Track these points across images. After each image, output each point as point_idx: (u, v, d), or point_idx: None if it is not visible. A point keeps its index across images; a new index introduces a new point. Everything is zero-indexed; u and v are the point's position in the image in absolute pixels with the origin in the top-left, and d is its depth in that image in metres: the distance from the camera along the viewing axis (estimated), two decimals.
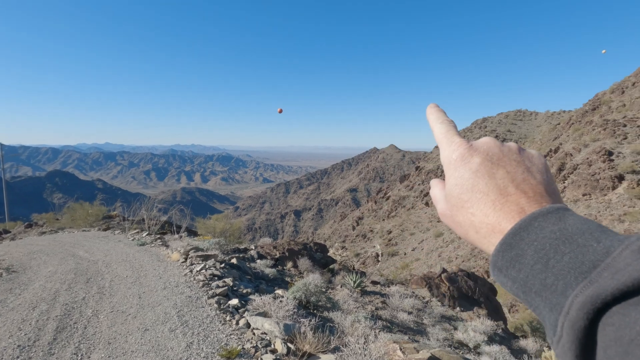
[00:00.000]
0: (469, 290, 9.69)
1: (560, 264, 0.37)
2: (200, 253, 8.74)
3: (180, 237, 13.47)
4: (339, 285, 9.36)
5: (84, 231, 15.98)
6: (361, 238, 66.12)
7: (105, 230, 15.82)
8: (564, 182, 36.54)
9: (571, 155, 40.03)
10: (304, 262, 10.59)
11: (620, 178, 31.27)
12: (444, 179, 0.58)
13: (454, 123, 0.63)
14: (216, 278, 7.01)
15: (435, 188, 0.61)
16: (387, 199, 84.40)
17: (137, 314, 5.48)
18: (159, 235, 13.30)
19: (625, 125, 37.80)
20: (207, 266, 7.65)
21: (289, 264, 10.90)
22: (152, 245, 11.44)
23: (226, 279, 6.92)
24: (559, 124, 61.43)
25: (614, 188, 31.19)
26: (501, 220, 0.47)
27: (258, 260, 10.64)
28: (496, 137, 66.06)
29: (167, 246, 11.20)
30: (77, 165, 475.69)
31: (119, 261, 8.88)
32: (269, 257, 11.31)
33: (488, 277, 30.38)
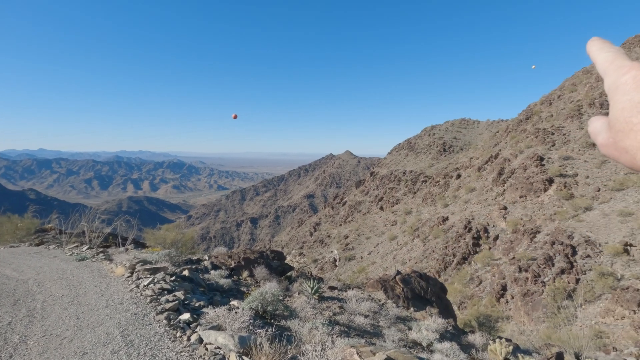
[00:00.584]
0: (422, 291, 10.10)
1: None
2: (148, 266, 8.20)
3: (126, 249, 12.57)
4: (297, 293, 9.27)
5: (11, 247, 14.32)
6: (319, 244, 66.36)
7: (38, 245, 14.31)
8: (503, 185, 39.62)
9: (509, 160, 43.57)
10: (260, 271, 10.37)
11: (550, 181, 34.59)
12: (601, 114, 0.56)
13: (623, 51, 0.60)
14: (166, 292, 6.60)
15: (596, 122, 0.60)
16: (344, 204, 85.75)
17: (74, 336, 4.97)
18: (101, 249, 12.31)
19: (553, 134, 41.99)
20: (155, 280, 7.19)
21: (245, 274, 10.61)
22: (94, 259, 10.55)
23: (177, 293, 6.55)
24: (498, 132, 66.70)
25: (545, 190, 34.41)
26: None
27: (212, 271, 10.23)
28: (443, 143, 69.45)
29: (111, 260, 10.39)
30: (4, 174, 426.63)
31: (53, 279, 8.05)
32: (223, 267, 10.92)
33: (439, 276, 31.83)
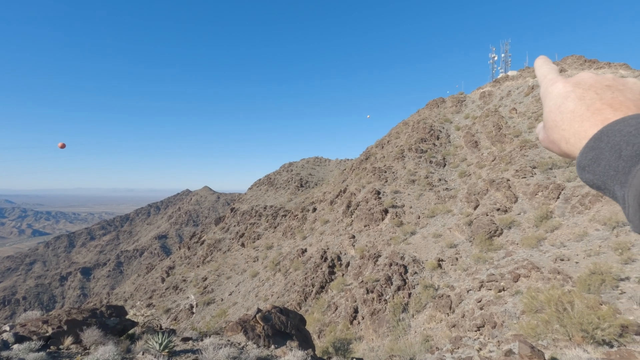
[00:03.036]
0: (282, 326, 10.07)
1: (630, 152, 0.51)
2: None
3: None
4: (141, 353, 7.88)
5: None
6: (172, 290, 59.16)
7: None
8: (351, 216, 44.75)
9: (355, 194, 49.85)
10: (91, 334, 8.41)
11: (386, 211, 41.07)
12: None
13: (557, 68, 0.82)
14: None
15: (539, 125, 0.81)
16: (202, 243, 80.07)
17: None
18: None
19: (385, 172, 50.54)
20: None
21: (68, 340, 8.42)
22: None
23: None
24: (345, 169, 76.03)
25: (382, 219, 40.54)
26: (587, 129, 0.61)
27: (15, 346, 7.74)
28: (300, 179, 74.05)
29: None
30: None
31: None
32: (35, 337, 8.41)
33: (300, 308, 32.58)
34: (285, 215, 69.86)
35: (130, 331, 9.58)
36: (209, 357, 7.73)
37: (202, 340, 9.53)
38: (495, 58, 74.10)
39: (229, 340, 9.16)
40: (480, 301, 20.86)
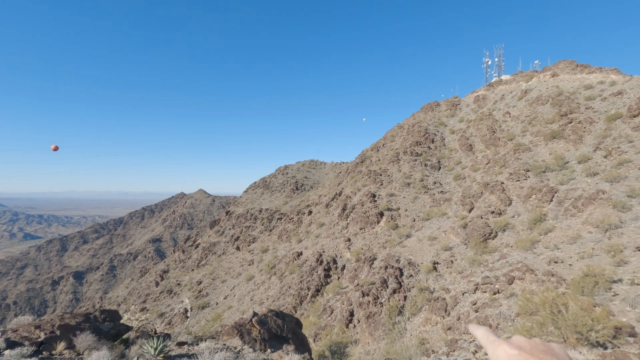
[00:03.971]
0: (278, 329, 10.01)
1: None
2: None
3: None
4: (135, 358, 7.79)
5: None
6: (167, 294, 58.66)
7: None
8: (347, 219, 44.75)
9: (350, 197, 49.90)
10: (84, 339, 8.30)
11: (381, 214, 41.14)
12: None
13: (489, 329, 1.05)
14: None
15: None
16: (197, 246, 79.59)
17: None
18: None
19: (381, 175, 50.68)
20: None
21: (61, 346, 8.29)
22: None
23: None
24: (340, 172, 76.13)
25: (378, 222, 40.59)
26: None
27: (7, 352, 7.61)
28: (296, 182, 73.90)
29: None
30: None
31: None
32: (27, 342, 8.28)
33: (296, 311, 32.47)
34: (280, 219, 69.71)
35: (125, 336, 9.47)
36: None
37: (197, 344, 9.45)
38: (489, 62, 74.84)
39: (224, 345, 9.09)
40: (475, 304, 20.93)
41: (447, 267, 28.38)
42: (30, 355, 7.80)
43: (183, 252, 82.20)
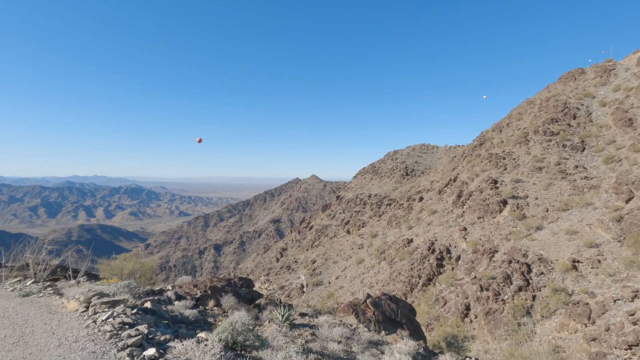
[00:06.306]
0: (392, 313, 10.15)
1: None
2: (105, 299, 7.62)
3: (78, 282, 11.61)
4: (267, 321, 8.98)
5: None
6: (286, 269, 65.03)
7: None
8: (463, 207, 41.53)
9: (466, 183, 46.00)
10: (228, 300, 9.96)
11: (504, 202, 36.80)
12: None
13: None
14: (127, 326, 6.14)
15: None
16: (311, 228, 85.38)
17: None
18: (49, 283, 11.26)
19: (504, 158, 45.12)
20: (115, 314, 6.68)
21: (211, 303, 10.14)
22: (41, 294, 9.61)
23: (139, 327, 6.11)
24: (455, 156, 70.58)
25: (500, 211, 36.49)
26: None
27: (176, 302, 9.68)
28: (406, 167, 72.02)
29: (61, 294, 9.53)
30: None
31: None
32: (188, 297, 10.38)
33: (406, 298, 32.13)
34: (390, 204, 69.07)
35: (257, 301, 10.97)
36: (325, 334, 8.35)
37: (316, 317, 10.31)
38: None
39: (341, 321, 9.70)
40: (633, 314, 17.15)
41: (591, 268, 23.84)
42: (191, 307, 9.76)
43: (299, 232, 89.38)
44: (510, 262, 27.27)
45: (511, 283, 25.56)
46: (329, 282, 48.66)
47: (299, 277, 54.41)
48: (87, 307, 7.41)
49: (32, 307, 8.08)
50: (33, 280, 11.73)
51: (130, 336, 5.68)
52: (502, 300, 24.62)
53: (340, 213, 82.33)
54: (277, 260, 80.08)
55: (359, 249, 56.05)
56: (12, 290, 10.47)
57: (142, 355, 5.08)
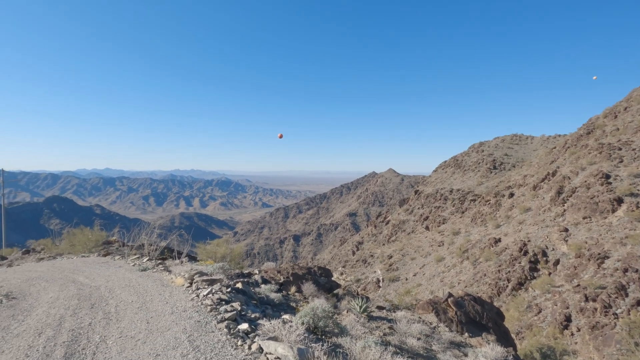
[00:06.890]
0: (477, 315, 9.53)
1: None
2: (205, 277, 8.67)
3: (182, 262, 13.36)
4: (345, 311, 9.23)
5: (83, 257, 15.81)
6: (361, 263, 65.26)
7: (105, 255, 15.66)
8: (563, 205, 36.63)
9: (569, 178, 40.34)
10: (308, 287, 10.48)
11: (620, 201, 31.39)
12: None
13: None
14: (223, 302, 6.94)
15: None
16: (387, 223, 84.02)
17: (146, 339, 5.41)
18: (159, 261, 13.19)
19: (620, 149, 38.38)
20: (213, 291, 7.59)
21: (293, 289, 10.77)
22: (154, 270, 11.32)
23: (234, 304, 6.86)
24: (555, 147, 62.22)
25: (613, 211, 31.24)
26: None
27: (262, 285, 10.53)
28: (493, 160, 66.31)
29: (170, 271, 11.10)
30: (75, 191, 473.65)
31: (122, 286, 8.79)
32: (273, 281, 11.19)
33: (492, 302, 29.75)
34: (474, 200, 64.20)
35: (335, 291, 11.32)
36: (403, 329, 8.27)
37: (394, 311, 10.24)
38: None
39: (420, 318, 9.48)
40: None
41: None
42: (276, 291, 10.51)
43: (375, 227, 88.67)
44: (625, 270, 23.27)
45: (626, 295, 21.83)
46: (406, 279, 47.44)
47: (375, 272, 54.12)
48: (191, 284, 8.54)
49: (149, 280, 9.60)
50: (148, 258, 13.85)
51: (226, 311, 6.42)
52: (614, 314, 21.19)
53: (418, 208, 79.30)
54: (353, 253, 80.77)
55: (438, 246, 53.43)
56: (133, 265, 12.54)
57: (237, 328, 5.72)
